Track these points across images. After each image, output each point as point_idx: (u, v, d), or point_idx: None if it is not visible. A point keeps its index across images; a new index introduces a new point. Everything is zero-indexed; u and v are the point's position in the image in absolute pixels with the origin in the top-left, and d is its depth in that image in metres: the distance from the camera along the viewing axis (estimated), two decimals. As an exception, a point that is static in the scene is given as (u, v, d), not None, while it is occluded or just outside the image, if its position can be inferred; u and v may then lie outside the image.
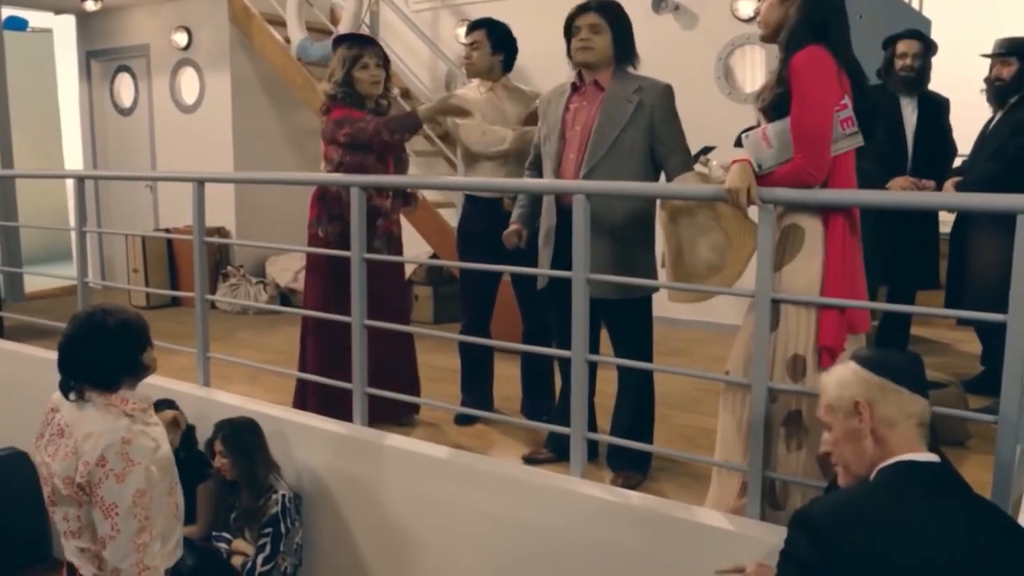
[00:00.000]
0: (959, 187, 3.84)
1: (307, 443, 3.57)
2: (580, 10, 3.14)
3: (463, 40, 3.31)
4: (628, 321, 3.17)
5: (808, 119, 2.38)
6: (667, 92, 3.11)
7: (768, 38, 2.60)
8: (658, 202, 2.95)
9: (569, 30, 3.16)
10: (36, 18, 10.45)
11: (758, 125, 2.60)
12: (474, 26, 3.89)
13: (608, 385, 3.30)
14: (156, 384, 3.41)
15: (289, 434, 3.61)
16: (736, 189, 2.43)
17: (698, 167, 2.71)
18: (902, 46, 4.13)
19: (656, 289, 3.14)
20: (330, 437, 3.52)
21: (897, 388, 1.82)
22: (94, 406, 2.32)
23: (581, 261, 2.79)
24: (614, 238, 3.06)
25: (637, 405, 3.19)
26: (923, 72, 4.14)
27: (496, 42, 3.85)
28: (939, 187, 4.17)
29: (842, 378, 1.88)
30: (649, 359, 3.19)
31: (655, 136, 3.06)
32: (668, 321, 3.64)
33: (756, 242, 2.62)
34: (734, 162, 2.52)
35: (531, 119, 3.79)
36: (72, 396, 2.32)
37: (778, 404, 2.53)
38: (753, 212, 2.56)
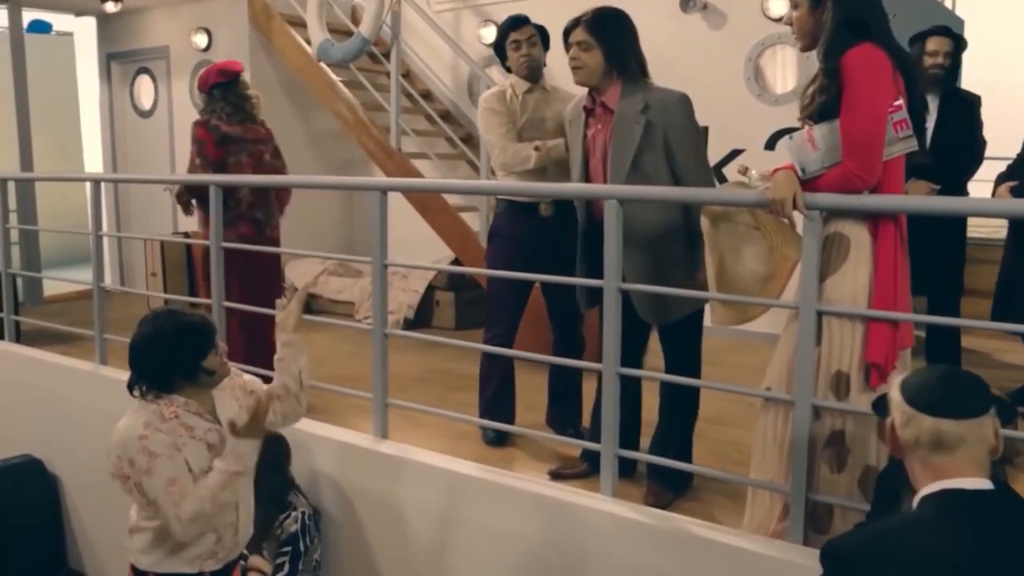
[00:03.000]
0: (1015, 192, 3.67)
1: (326, 455, 3.47)
2: (572, 25, 2.99)
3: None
4: (677, 340, 3.03)
5: (860, 120, 2.24)
6: (678, 105, 2.90)
7: (809, 47, 2.45)
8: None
9: (567, 44, 3.02)
10: (57, 21, 10.45)
11: (801, 127, 2.45)
12: (528, 24, 3.62)
13: (653, 397, 3.17)
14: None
15: (308, 446, 3.50)
16: (782, 198, 2.29)
17: (737, 177, 2.57)
18: (932, 43, 3.96)
19: (703, 304, 3.00)
20: (350, 450, 3.41)
21: (932, 417, 1.60)
22: (138, 403, 2.40)
23: (612, 270, 2.66)
24: (651, 256, 2.91)
25: (676, 423, 3.06)
26: (953, 70, 3.98)
27: (545, 41, 3.70)
28: (957, 188, 3.98)
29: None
30: (698, 374, 3.06)
31: (670, 156, 2.88)
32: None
33: (798, 254, 2.49)
34: (776, 170, 2.39)
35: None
36: (135, 393, 2.40)
37: (821, 423, 2.40)
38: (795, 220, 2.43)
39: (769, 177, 2.45)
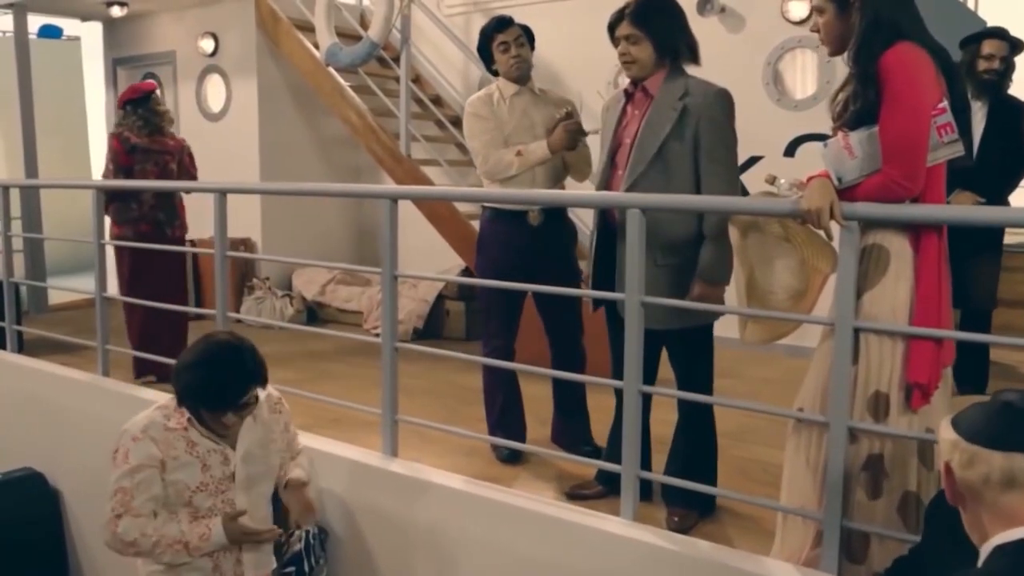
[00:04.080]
0: None
1: (333, 472, 3.34)
2: (616, 18, 2.88)
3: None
4: (688, 350, 2.89)
5: (902, 125, 2.10)
6: (718, 97, 2.78)
7: (837, 52, 2.32)
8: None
9: (614, 39, 2.92)
10: (66, 26, 10.39)
11: (833, 135, 2.32)
12: (514, 24, 3.53)
13: (666, 412, 3.03)
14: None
15: (315, 463, 3.37)
16: (818, 208, 2.15)
17: (764, 185, 2.43)
18: (989, 46, 3.80)
19: (717, 315, 2.86)
20: (358, 468, 3.28)
21: (1003, 452, 1.42)
22: (162, 401, 2.53)
23: (635, 283, 2.53)
24: (666, 260, 2.77)
25: (697, 440, 2.92)
26: (1005, 75, 3.84)
27: (531, 40, 3.59)
28: (998, 198, 3.84)
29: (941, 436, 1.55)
30: (710, 386, 2.92)
31: (697, 149, 2.75)
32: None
33: (831, 267, 2.35)
34: (810, 178, 2.25)
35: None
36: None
37: (858, 446, 2.26)
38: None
39: (801, 186, 2.32)
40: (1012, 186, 3.96)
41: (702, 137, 2.75)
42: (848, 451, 2.25)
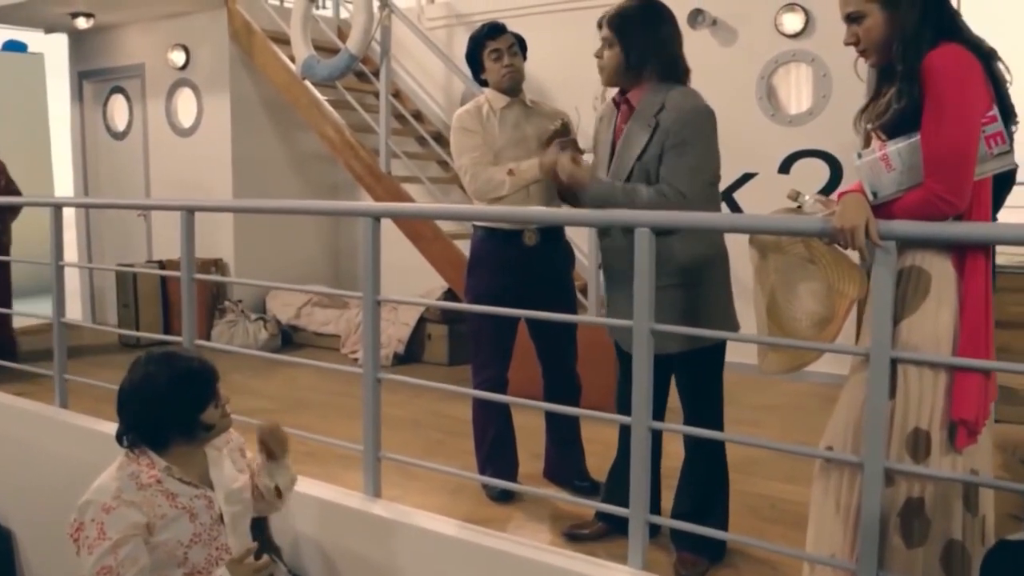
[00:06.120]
0: None
1: (309, 515, 3.08)
2: (599, 20, 2.73)
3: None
4: (695, 375, 2.69)
5: (949, 134, 1.89)
6: (690, 114, 2.54)
7: (882, 60, 2.09)
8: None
9: None
10: (30, 42, 10.14)
11: (865, 144, 2.12)
12: (507, 31, 3.32)
13: (672, 443, 2.82)
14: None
15: (289, 504, 3.11)
16: (853, 226, 1.95)
17: (787, 201, 2.23)
18: None
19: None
20: (337, 510, 3.02)
21: None
22: (120, 461, 2.24)
23: (645, 308, 2.31)
24: (673, 281, 2.55)
25: (707, 476, 2.71)
26: None
27: (523, 50, 3.39)
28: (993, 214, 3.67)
29: None
30: (720, 417, 2.73)
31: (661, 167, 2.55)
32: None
33: (858, 292, 2.15)
34: (843, 194, 2.05)
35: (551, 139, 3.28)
36: (124, 443, 2.25)
37: (895, 489, 2.04)
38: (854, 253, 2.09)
39: (827, 202, 2.12)
40: (1000, 200, 3.80)
41: (665, 156, 2.54)
42: (884, 494, 2.03)
